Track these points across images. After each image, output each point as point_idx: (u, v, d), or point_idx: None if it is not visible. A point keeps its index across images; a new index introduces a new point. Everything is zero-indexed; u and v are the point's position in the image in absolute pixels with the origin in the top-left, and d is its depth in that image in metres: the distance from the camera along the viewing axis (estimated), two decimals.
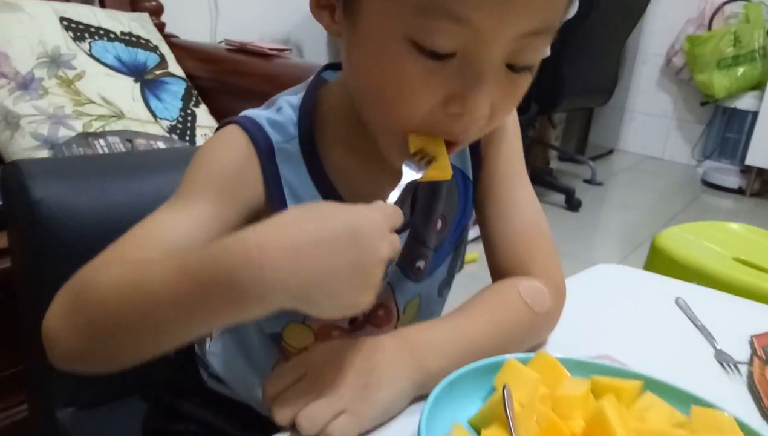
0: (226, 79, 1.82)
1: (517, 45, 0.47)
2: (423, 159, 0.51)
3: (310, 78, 0.62)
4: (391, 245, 0.44)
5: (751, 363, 0.64)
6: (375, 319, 0.64)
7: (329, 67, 0.63)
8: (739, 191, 3.78)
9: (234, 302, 0.40)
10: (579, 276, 0.82)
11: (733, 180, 3.80)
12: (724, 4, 3.82)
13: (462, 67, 0.47)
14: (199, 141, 1.68)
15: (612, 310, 0.75)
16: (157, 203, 0.77)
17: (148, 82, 1.69)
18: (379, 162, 0.58)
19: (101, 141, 1.47)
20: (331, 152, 0.58)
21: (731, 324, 0.72)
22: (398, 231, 0.61)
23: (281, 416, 0.45)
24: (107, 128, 1.54)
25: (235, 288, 0.40)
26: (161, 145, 1.54)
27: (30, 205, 0.71)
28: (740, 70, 3.74)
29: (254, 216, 0.56)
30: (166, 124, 1.65)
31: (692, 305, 0.75)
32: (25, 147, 1.42)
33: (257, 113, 0.58)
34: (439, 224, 0.65)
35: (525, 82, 0.51)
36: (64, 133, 1.46)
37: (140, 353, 0.44)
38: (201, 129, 1.71)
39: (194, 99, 1.76)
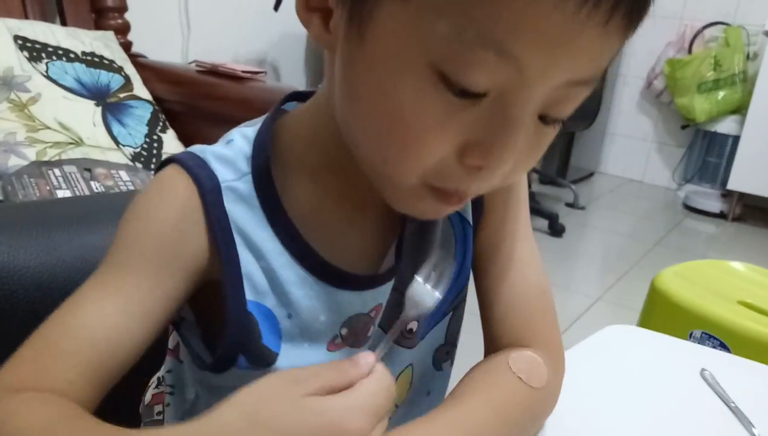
0: (196, 102, 1.71)
1: (558, 94, 0.39)
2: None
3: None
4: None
5: None
6: None
7: (293, 96, 0.54)
8: (721, 216, 3.75)
9: None
10: (588, 341, 0.72)
11: (714, 204, 3.77)
12: (705, 27, 3.81)
13: (492, 112, 0.38)
14: None
15: (627, 384, 0.65)
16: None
17: (111, 105, 1.58)
18: (357, 200, 0.49)
19: (56, 171, 1.35)
20: (295, 190, 0.49)
21: (765, 400, 0.62)
22: (382, 281, 0.52)
23: None
24: (64, 156, 1.42)
25: None
26: (123, 174, 1.43)
27: None
28: (720, 93, 3.73)
29: (200, 276, 0.46)
30: (129, 151, 1.54)
31: (719, 376, 0.66)
32: None
33: (202, 148, 0.49)
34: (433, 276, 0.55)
35: (552, 135, 0.42)
36: (15, 162, 1.34)
37: None
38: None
39: (161, 124, 1.65)
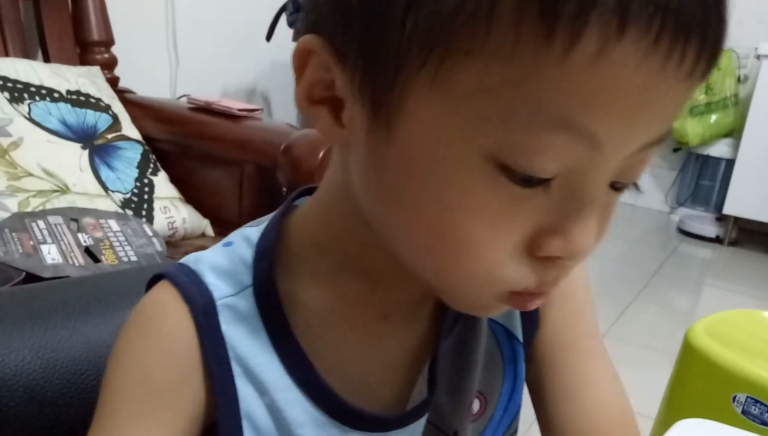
0: (189, 142, 1.62)
1: (632, 160, 0.33)
2: None
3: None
4: None
5: None
6: None
7: (306, 192, 0.45)
8: (717, 240, 3.71)
9: None
10: None
11: (709, 229, 3.74)
12: None
13: (564, 194, 0.32)
14: (158, 216, 1.46)
15: None
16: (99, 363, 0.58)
17: (99, 148, 1.48)
18: (381, 307, 0.41)
19: (40, 223, 1.25)
20: (304, 302, 0.41)
21: None
22: (412, 419, 0.43)
23: None
24: (48, 205, 1.32)
25: None
26: (113, 224, 1.33)
27: None
28: (713, 117, 3.72)
29: (202, 419, 0.40)
30: (119, 197, 1.44)
31: None
32: None
33: (197, 257, 0.42)
34: (477, 406, 0.47)
35: (618, 199, 0.36)
36: None
37: None
38: (159, 201, 1.49)
39: (152, 166, 1.55)
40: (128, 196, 1.46)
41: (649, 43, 0.28)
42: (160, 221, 1.47)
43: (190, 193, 1.57)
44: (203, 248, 1.36)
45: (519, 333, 0.48)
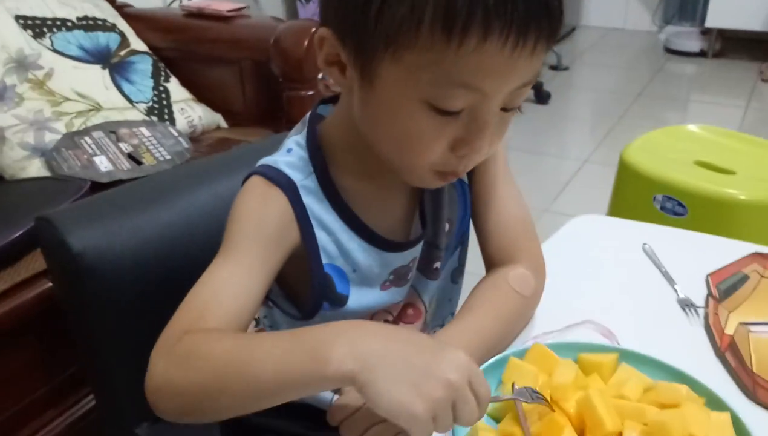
0: (189, 47, 1.84)
1: (512, 95, 0.57)
2: (534, 393, 0.55)
3: (306, 115, 0.69)
4: (458, 388, 0.47)
5: (706, 305, 0.76)
6: (406, 317, 0.76)
7: (322, 101, 0.71)
8: (701, 54, 3.84)
9: (317, 362, 0.48)
10: (560, 233, 0.93)
11: (694, 44, 3.85)
12: None
13: (469, 120, 0.56)
14: (178, 118, 1.72)
15: (589, 266, 0.86)
16: (184, 230, 0.84)
17: (116, 66, 1.71)
18: (385, 182, 0.67)
19: (87, 139, 1.52)
20: (344, 181, 0.66)
21: (692, 263, 0.84)
22: (415, 243, 0.72)
23: None
24: (88, 123, 1.58)
25: (324, 348, 0.48)
26: (144, 130, 1.59)
27: (71, 260, 0.77)
28: None
29: (290, 250, 0.64)
30: (143, 107, 1.69)
31: (657, 247, 0.87)
32: (15, 158, 1.47)
33: (274, 160, 0.65)
34: (447, 227, 0.75)
35: (512, 116, 0.60)
36: (50, 137, 1.50)
37: (240, 410, 0.53)
38: (177, 104, 1.74)
39: (163, 73, 1.78)
40: (150, 104, 1.71)
41: (503, 42, 0.50)
42: (181, 122, 1.72)
43: (200, 93, 1.81)
44: (222, 138, 1.66)
45: (466, 178, 0.75)
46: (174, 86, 1.78)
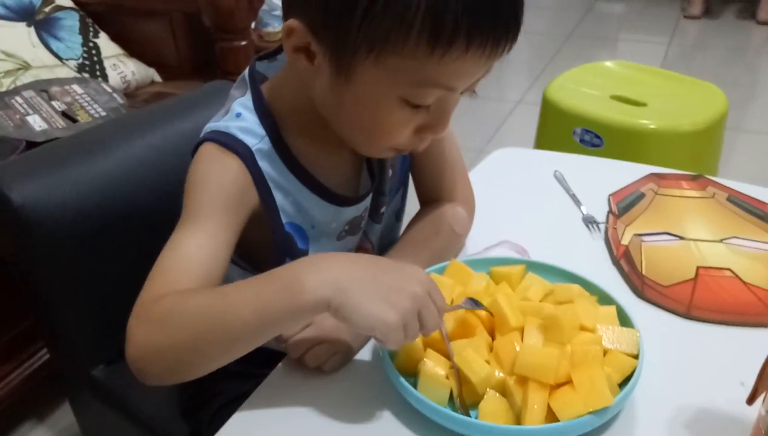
0: (117, 1, 1.81)
1: (471, 86, 0.62)
2: (476, 302, 0.63)
3: (245, 73, 0.71)
4: (422, 298, 0.54)
5: (607, 221, 0.86)
6: None
7: (258, 58, 0.72)
8: None
9: (292, 293, 0.52)
10: (481, 166, 1.00)
11: None
12: None
13: (435, 108, 0.62)
14: (111, 74, 1.71)
15: (508, 194, 0.94)
16: (122, 179, 0.88)
17: (41, 22, 1.68)
18: (333, 141, 0.70)
19: (18, 99, 1.51)
20: (295, 142, 0.68)
21: (597, 186, 0.92)
22: (366, 196, 0.77)
23: (294, 354, 0.63)
24: (18, 83, 1.56)
25: (297, 280, 0.53)
26: (77, 88, 1.58)
27: (12, 214, 0.80)
28: None
29: (250, 213, 0.66)
30: (73, 64, 1.67)
31: (567, 173, 0.96)
32: None
33: (225, 125, 0.66)
34: (390, 173, 0.80)
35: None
36: None
37: (224, 359, 0.56)
38: (108, 60, 1.73)
39: (92, 29, 1.76)
40: (80, 61, 1.69)
41: (481, 51, 0.55)
42: (114, 78, 1.72)
43: (132, 47, 1.80)
44: (157, 92, 1.67)
45: None
46: (104, 42, 1.76)
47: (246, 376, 0.69)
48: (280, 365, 0.66)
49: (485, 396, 0.57)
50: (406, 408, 0.58)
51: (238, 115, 0.67)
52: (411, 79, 0.57)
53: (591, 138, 1.41)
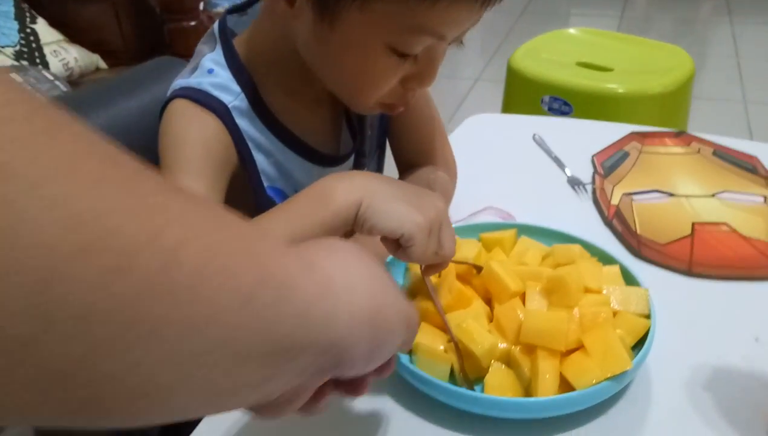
0: None
1: (459, 36, 0.58)
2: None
3: (214, 27, 0.65)
4: (444, 214, 0.52)
5: (593, 181, 0.82)
6: None
7: (229, 12, 0.66)
8: None
9: (324, 202, 0.48)
10: (456, 133, 0.95)
11: None
12: None
13: (423, 58, 0.57)
14: (51, 61, 1.61)
15: (487, 159, 0.90)
16: None
17: None
18: (311, 95, 0.66)
19: None
20: (272, 99, 0.63)
21: (579, 147, 0.89)
22: (348, 156, 0.72)
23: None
24: None
25: (327, 190, 0.49)
26: (15, 76, 1.48)
27: None
28: None
29: (231, 174, 0.61)
30: (10, 51, 1.56)
31: (546, 136, 0.92)
32: None
33: (197, 81, 0.61)
34: (370, 131, 0.75)
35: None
36: None
37: None
38: (48, 46, 1.62)
39: (28, 15, 1.65)
40: (17, 48, 1.58)
41: (471, 3, 0.52)
42: (55, 65, 1.61)
43: (73, 33, 1.69)
44: (102, 79, 1.59)
45: None
46: (42, 27, 1.65)
47: None
48: None
49: (490, 369, 0.52)
50: (404, 389, 0.53)
51: (210, 71, 0.61)
52: (399, 25, 0.53)
53: (560, 105, 1.38)
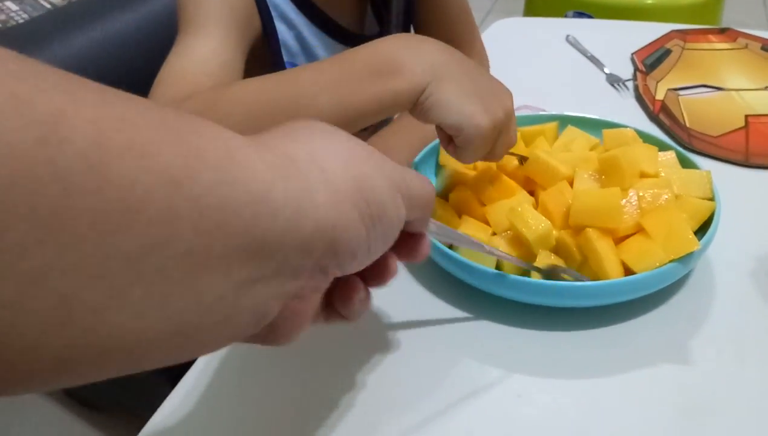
0: None
1: None
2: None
3: None
4: (511, 115, 0.48)
5: (635, 78, 0.76)
6: None
7: None
8: None
9: (386, 76, 0.42)
10: (485, 35, 0.89)
11: None
12: None
13: None
14: None
15: (519, 61, 0.84)
16: None
17: None
18: None
19: None
20: None
21: (615, 47, 0.82)
22: (374, 37, 0.66)
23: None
24: None
25: (392, 61, 0.43)
26: (10, 5, 1.41)
27: None
28: None
29: (252, 42, 0.57)
30: None
31: (581, 38, 0.85)
32: None
33: None
34: (394, 20, 0.70)
35: None
36: None
37: None
38: None
39: None
40: None
41: None
42: None
43: None
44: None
45: None
46: None
47: None
48: None
49: (538, 256, 0.48)
50: (448, 281, 0.49)
51: None
52: None
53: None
